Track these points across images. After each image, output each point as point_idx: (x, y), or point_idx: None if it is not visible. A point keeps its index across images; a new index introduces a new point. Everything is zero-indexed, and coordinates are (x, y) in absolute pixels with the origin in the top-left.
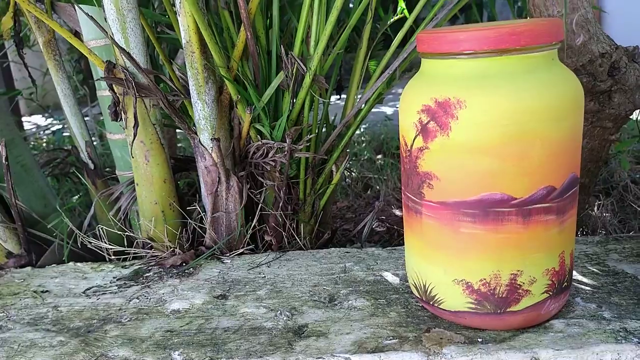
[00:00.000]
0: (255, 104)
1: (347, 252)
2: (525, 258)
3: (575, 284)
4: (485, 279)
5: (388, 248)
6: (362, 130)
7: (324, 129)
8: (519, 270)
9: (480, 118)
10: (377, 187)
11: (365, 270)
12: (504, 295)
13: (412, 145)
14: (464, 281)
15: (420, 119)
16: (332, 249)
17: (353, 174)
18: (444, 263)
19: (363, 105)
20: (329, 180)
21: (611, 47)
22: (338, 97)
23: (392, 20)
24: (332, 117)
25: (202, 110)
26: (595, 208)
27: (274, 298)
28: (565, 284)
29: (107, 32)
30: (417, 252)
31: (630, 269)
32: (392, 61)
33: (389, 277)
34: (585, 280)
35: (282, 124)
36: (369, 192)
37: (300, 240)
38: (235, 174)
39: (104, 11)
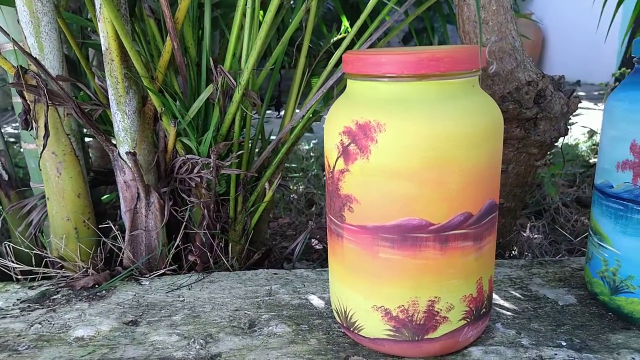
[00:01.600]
0: (179, 117)
1: (275, 274)
2: (443, 284)
3: (498, 309)
4: (403, 306)
5: (318, 270)
6: (311, 145)
7: (259, 146)
8: (436, 297)
9: (399, 142)
10: (322, 204)
11: (292, 293)
12: (421, 322)
13: (334, 167)
14: (382, 307)
15: (341, 140)
16: (260, 270)
17: (300, 189)
18: (363, 289)
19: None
20: (262, 198)
21: (537, 75)
22: (277, 113)
23: (335, 38)
24: (269, 134)
25: (121, 121)
26: (528, 230)
27: (190, 324)
28: (484, 310)
29: (9, 35)
30: (339, 277)
31: (552, 294)
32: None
33: (315, 300)
34: (507, 305)
35: (207, 138)
36: (313, 208)
37: (229, 261)
38: (157, 189)
39: (17, 13)
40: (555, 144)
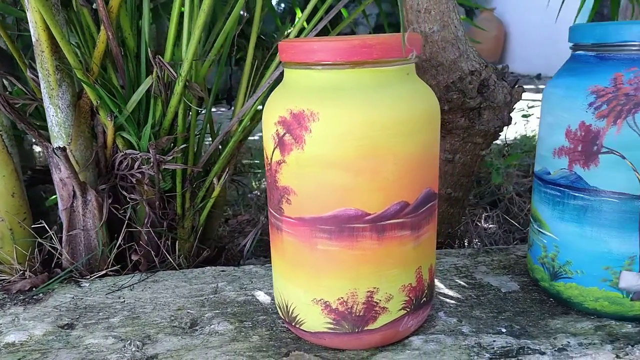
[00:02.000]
0: (115, 110)
1: (222, 271)
2: (381, 275)
3: (442, 298)
4: (342, 298)
5: (267, 265)
6: None
7: (209, 140)
8: (375, 288)
9: (333, 131)
10: None
11: (238, 290)
12: (361, 314)
13: (271, 159)
14: (322, 301)
15: (277, 131)
16: (207, 267)
17: (262, 185)
18: (303, 282)
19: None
20: (211, 194)
21: (481, 65)
22: (229, 107)
23: (290, 30)
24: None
25: (55, 115)
26: (483, 220)
27: (128, 326)
28: (425, 299)
29: None
30: (280, 272)
31: (496, 281)
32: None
33: (261, 296)
34: (451, 293)
35: (146, 132)
36: None
37: (175, 260)
38: (96, 187)
39: None
40: (500, 133)
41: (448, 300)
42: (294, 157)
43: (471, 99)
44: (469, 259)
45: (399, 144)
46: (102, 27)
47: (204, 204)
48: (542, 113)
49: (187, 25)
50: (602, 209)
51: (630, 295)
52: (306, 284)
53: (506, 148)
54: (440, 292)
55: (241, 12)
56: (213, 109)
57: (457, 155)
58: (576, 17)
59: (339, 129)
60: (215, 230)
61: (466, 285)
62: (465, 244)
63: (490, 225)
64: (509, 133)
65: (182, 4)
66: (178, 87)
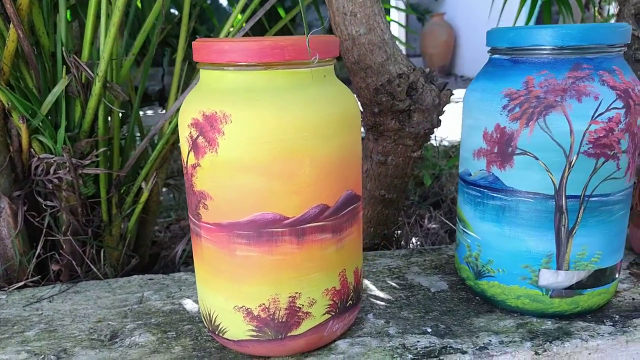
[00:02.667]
0: (24, 113)
1: (150, 279)
2: (303, 279)
3: (372, 300)
4: (264, 304)
5: None
6: None
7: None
8: (297, 293)
9: (246, 134)
10: None
11: (165, 299)
12: (284, 320)
13: (187, 162)
14: (244, 308)
15: (190, 133)
16: (134, 276)
17: None
18: (224, 289)
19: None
20: (140, 199)
21: (409, 68)
22: (162, 108)
23: (228, 31)
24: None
25: None
26: (426, 220)
27: (43, 339)
28: (350, 302)
29: None
30: (202, 279)
31: (426, 282)
32: None
33: (189, 305)
34: (382, 295)
35: (60, 135)
36: None
37: (101, 269)
38: (9, 193)
39: None
40: (430, 136)
41: (378, 301)
42: (208, 160)
43: (400, 101)
44: (402, 260)
45: (314, 146)
46: (11, 25)
47: (132, 210)
48: (462, 116)
49: (105, 24)
50: (519, 209)
51: (550, 293)
52: (227, 291)
53: (452, 149)
54: (372, 294)
55: (173, 11)
56: (151, 112)
57: (389, 158)
58: (515, 21)
59: (251, 132)
60: (150, 236)
61: (397, 286)
62: (404, 244)
63: (433, 226)
64: (457, 135)
65: (99, 2)
66: (96, 88)
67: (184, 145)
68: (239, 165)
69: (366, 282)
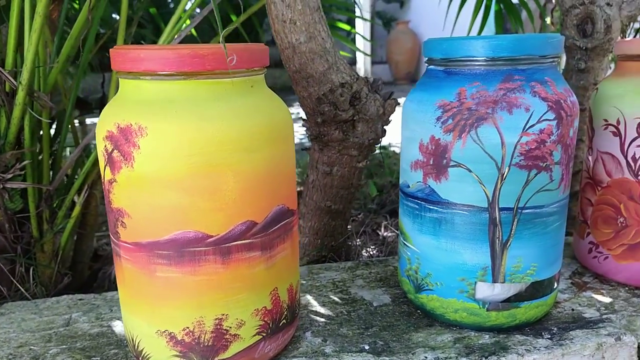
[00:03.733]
0: None
1: (80, 300)
2: (230, 300)
3: (313, 316)
4: (188, 328)
5: None
6: None
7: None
8: (224, 314)
9: (163, 148)
10: None
11: (93, 321)
12: (210, 343)
13: (104, 177)
14: (167, 332)
15: (105, 147)
16: (63, 296)
17: None
18: (145, 313)
19: None
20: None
21: (352, 77)
22: None
23: (165, 38)
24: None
25: None
26: (382, 229)
27: None
28: (284, 321)
29: None
30: (123, 302)
31: (369, 295)
32: None
33: (118, 327)
34: (322, 311)
35: None
36: None
37: (30, 289)
38: None
39: None
40: (376, 146)
41: (318, 318)
42: (124, 175)
43: (343, 111)
44: (347, 273)
45: (239, 160)
46: None
47: (64, 225)
48: (401, 127)
49: (28, 30)
50: (455, 221)
51: (487, 306)
52: (148, 314)
53: None
54: (312, 310)
55: (114, 16)
56: (90, 120)
57: (334, 168)
58: (469, 31)
59: (169, 145)
60: (88, 252)
61: (339, 301)
62: (355, 255)
63: (390, 234)
64: None
65: (22, 7)
66: (19, 97)
67: (101, 160)
68: (156, 181)
69: (308, 297)
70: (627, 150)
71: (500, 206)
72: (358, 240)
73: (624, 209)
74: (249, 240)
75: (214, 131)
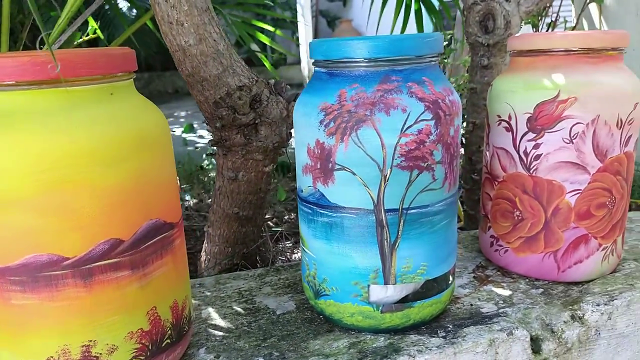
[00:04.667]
0: None
1: None
2: (98, 325)
3: (211, 331)
4: (52, 357)
5: None
6: None
7: None
8: (92, 341)
9: (6, 164)
10: None
11: None
12: None
13: None
14: None
15: None
16: None
17: None
18: (6, 343)
19: None
20: None
21: (250, 80)
22: None
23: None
24: None
25: None
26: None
27: None
28: (168, 341)
29: None
30: None
31: (274, 303)
32: None
33: None
34: (222, 324)
35: None
36: None
37: None
38: None
39: None
40: (282, 149)
41: (217, 332)
42: None
43: (243, 115)
44: (256, 281)
45: (95, 174)
46: None
47: None
48: (294, 131)
49: None
50: (344, 225)
51: (380, 308)
52: (9, 345)
53: None
54: (212, 324)
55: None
56: None
57: (240, 174)
58: (392, 30)
59: (12, 161)
60: None
61: (242, 312)
62: (266, 264)
63: None
64: None
65: None
66: None
67: None
68: (3, 202)
69: (210, 310)
70: (519, 145)
71: (385, 208)
72: (274, 246)
73: (519, 202)
74: (115, 260)
75: (66, 144)
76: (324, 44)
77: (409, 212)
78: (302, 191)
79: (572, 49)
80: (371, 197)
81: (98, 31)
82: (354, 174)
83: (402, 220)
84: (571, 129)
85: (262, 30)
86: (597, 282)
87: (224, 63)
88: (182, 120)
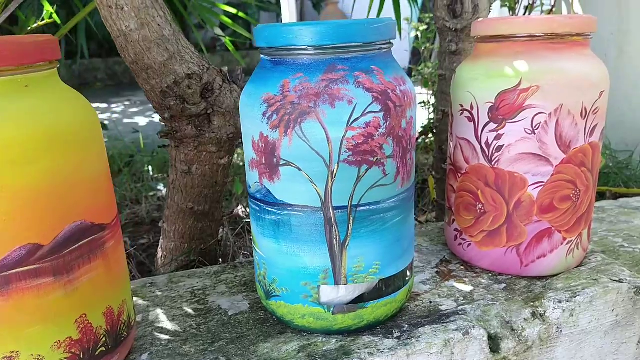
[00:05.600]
0: None
1: None
2: (19, 335)
3: (157, 334)
4: None
5: None
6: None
7: None
8: (13, 352)
9: None
10: None
11: None
12: None
13: None
14: None
15: None
16: None
17: None
18: None
19: None
20: None
21: (201, 67)
22: None
23: (34, 25)
24: None
25: None
26: None
27: None
28: (102, 349)
29: None
30: None
31: (227, 303)
32: None
33: None
34: (170, 327)
35: None
36: None
37: None
38: None
39: None
40: (238, 140)
41: (163, 336)
42: None
43: (193, 105)
44: (211, 279)
45: (7, 175)
46: None
47: None
48: (241, 123)
49: None
50: (292, 223)
51: (332, 309)
52: None
53: None
54: (159, 327)
55: None
56: None
57: (193, 167)
58: (368, 13)
59: None
60: None
61: (193, 313)
62: (238, 258)
63: None
64: None
65: None
66: None
67: None
68: None
69: (158, 311)
70: (480, 136)
71: (333, 205)
72: (236, 240)
73: (482, 195)
74: (35, 266)
75: None
76: (265, 30)
77: (358, 209)
78: (250, 187)
79: (535, 34)
80: (318, 193)
81: (54, 15)
82: (300, 169)
83: (351, 218)
84: (533, 119)
85: (226, 14)
86: (561, 276)
87: (170, 49)
88: None
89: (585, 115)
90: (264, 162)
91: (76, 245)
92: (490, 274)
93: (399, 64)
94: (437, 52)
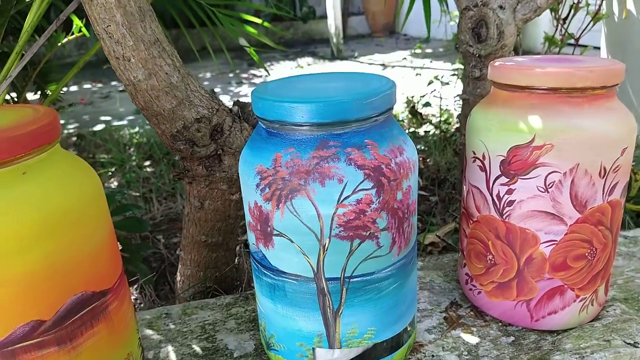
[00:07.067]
0: None
1: None
2: None
3: None
4: None
5: None
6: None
7: None
8: None
9: None
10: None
11: None
12: None
13: None
14: None
15: None
16: None
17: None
18: None
19: None
20: None
21: (210, 110)
22: None
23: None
24: None
25: None
26: None
27: None
28: None
29: None
30: None
31: (234, 342)
32: None
33: None
34: None
35: None
36: None
37: None
38: None
39: None
40: None
41: None
42: None
43: (203, 147)
44: (222, 312)
45: (3, 265)
46: None
47: None
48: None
49: None
50: (286, 289)
51: None
52: None
53: None
54: None
55: None
56: None
57: (206, 202)
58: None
59: None
60: None
61: (200, 352)
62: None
63: None
64: None
65: None
66: None
67: None
68: None
69: (169, 348)
70: (492, 188)
71: (326, 276)
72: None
73: (492, 247)
74: (39, 339)
75: None
76: (259, 102)
77: (352, 280)
78: (251, 245)
79: (553, 87)
80: (310, 265)
81: (84, 29)
82: (292, 241)
83: (344, 289)
84: (546, 177)
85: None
86: (572, 333)
87: (179, 96)
88: (206, 83)
89: (605, 174)
90: (259, 228)
91: (78, 315)
92: (500, 324)
93: (399, 127)
94: (462, 75)
